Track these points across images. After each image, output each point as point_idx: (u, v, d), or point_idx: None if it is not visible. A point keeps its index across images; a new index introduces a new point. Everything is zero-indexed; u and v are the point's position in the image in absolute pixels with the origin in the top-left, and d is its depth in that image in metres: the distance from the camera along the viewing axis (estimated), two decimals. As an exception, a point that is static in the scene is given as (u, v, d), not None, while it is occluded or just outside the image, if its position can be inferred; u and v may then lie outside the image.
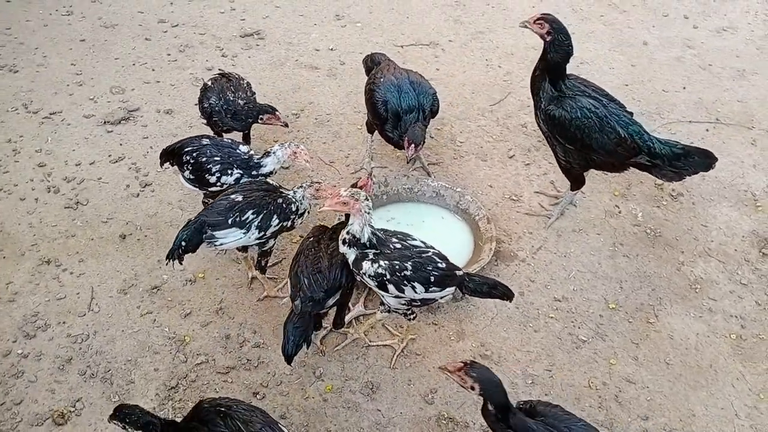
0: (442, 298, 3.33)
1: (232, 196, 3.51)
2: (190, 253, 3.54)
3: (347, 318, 3.72)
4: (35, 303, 3.77)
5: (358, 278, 3.32)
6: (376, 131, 4.57)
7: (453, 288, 3.30)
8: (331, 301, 3.35)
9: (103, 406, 3.34)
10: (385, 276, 3.18)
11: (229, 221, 3.43)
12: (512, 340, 3.80)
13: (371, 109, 4.44)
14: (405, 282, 3.19)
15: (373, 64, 4.82)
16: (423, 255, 3.26)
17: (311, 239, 3.45)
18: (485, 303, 3.98)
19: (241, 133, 4.46)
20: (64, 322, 3.69)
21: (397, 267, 3.18)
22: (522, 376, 3.63)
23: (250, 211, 3.46)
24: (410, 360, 3.66)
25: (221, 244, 3.48)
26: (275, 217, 3.51)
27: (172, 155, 3.93)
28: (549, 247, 4.36)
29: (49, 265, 3.98)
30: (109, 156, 4.74)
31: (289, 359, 3.26)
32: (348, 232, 3.19)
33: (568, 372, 3.67)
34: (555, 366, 3.69)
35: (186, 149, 3.86)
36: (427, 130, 4.45)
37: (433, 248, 3.34)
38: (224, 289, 3.93)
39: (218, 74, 4.50)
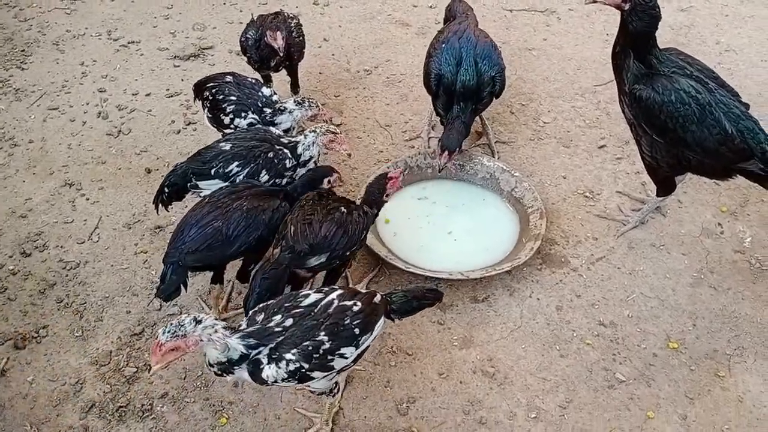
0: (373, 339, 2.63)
1: (221, 144, 3.16)
2: (177, 201, 3.26)
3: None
4: (43, 222, 3.71)
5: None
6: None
7: (382, 320, 2.63)
8: (314, 262, 2.89)
9: (64, 340, 3.18)
10: (302, 367, 2.39)
11: (212, 171, 3.09)
12: (528, 361, 3.11)
13: (424, 78, 3.87)
14: (329, 357, 2.44)
15: (450, 14, 4.22)
16: (329, 309, 2.48)
17: (315, 193, 3.05)
18: (509, 311, 3.31)
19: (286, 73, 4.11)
20: (61, 247, 3.59)
21: (310, 348, 2.40)
22: (525, 407, 2.94)
23: (235, 163, 3.08)
24: (397, 358, 3.12)
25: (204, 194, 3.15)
26: (264, 172, 3.10)
27: (200, 89, 3.66)
28: (613, 260, 3.55)
29: (71, 188, 3.91)
30: (167, 90, 4.61)
31: (249, 311, 2.87)
32: (214, 364, 2.38)
33: (587, 414, 2.92)
34: (572, 403, 2.95)
35: (208, 84, 3.56)
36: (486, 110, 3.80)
37: (332, 287, 2.64)
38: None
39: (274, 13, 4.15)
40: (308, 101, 3.45)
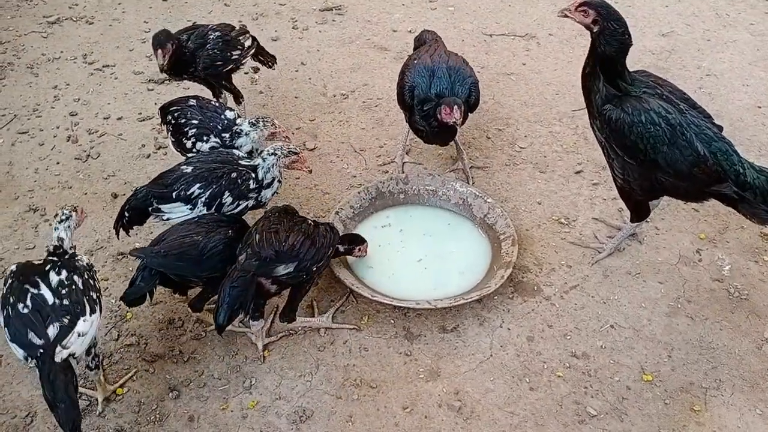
0: None
1: (183, 167, 3.09)
2: (137, 225, 3.18)
3: (299, 322, 3.16)
4: (3, 249, 3.62)
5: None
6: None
7: None
8: (282, 271, 2.83)
9: (17, 371, 3.06)
10: None
11: (173, 194, 3.01)
12: (497, 395, 2.99)
13: (397, 94, 3.81)
14: None
15: (419, 43, 4.18)
16: None
17: (278, 211, 3.03)
18: (478, 341, 3.20)
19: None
20: (21, 274, 3.48)
21: None
22: (491, 443, 2.82)
23: (197, 185, 3.00)
24: (360, 391, 3.00)
25: (168, 219, 3.07)
26: (227, 193, 3.02)
27: (164, 113, 3.59)
28: (587, 288, 3.45)
29: (34, 214, 3.83)
30: (140, 114, 4.55)
31: (220, 327, 2.82)
32: None
33: (556, 452, 2.80)
34: (540, 439, 2.84)
35: (171, 108, 3.50)
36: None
37: None
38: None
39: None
40: (263, 121, 3.39)
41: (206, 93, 4.09)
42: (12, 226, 3.75)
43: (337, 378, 3.04)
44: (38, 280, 2.57)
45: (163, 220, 3.10)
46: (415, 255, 3.56)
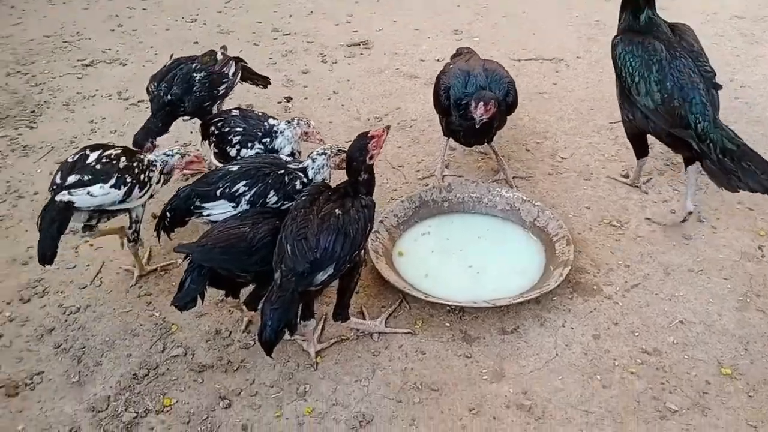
0: None
1: (229, 166, 3.03)
2: (179, 227, 3.10)
3: (353, 323, 3.02)
4: (45, 269, 3.51)
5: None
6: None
7: None
8: (322, 277, 2.67)
9: (60, 386, 2.92)
10: None
11: (218, 192, 2.94)
12: (568, 393, 2.80)
13: (434, 97, 3.79)
14: None
15: (456, 56, 4.19)
16: None
17: (304, 198, 2.81)
18: (541, 341, 3.04)
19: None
20: (62, 292, 3.39)
21: None
22: (569, 443, 2.62)
23: (242, 182, 2.94)
24: (422, 394, 2.82)
25: (209, 216, 2.98)
26: (272, 192, 2.95)
27: (205, 126, 3.57)
28: (649, 286, 3.30)
29: (74, 235, 3.73)
30: (176, 142, 4.55)
31: (267, 347, 2.64)
32: None
33: (640, 449, 2.59)
34: (621, 437, 2.63)
35: (214, 119, 3.48)
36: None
37: None
38: (237, 282, 3.41)
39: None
40: (297, 119, 3.38)
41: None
42: (51, 248, 3.67)
43: (395, 382, 2.87)
44: (97, 148, 3.12)
45: (205, 219, 3.02)
46: (467, 261, 3.44)
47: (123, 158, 3.08)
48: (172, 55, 4.07)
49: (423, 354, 3.00)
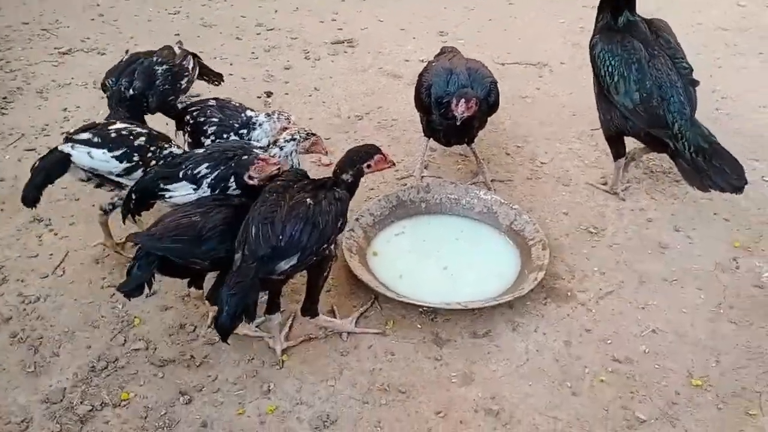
0: None
1: (196, 149, 2.97)
2: (145, 210, 3.03)
3: (322, 320, 2.95)
4: (5, 257, 3.43)
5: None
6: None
7: None
8: (285, 266, 2.60)
9: (14, 375, 2.83)
10: None
11: (180, 174, 2.87)
12: (537, 400, 2.76)
13: (415, 95, 3.74)
14: None
15: (439, 55, 4.14)
16: None
17: (279, 183, 2.74)
18: (513, 345, 2.99)
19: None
20: (22, 281, 3.29)
21: None
22: (535, 450, 2.57)
23: (204, 164, 2.86)
24: (389, 396, 2.76)
25: (171, 198, 2.90)
26: (234, 177, 2.87)
27: (180, 116, 3.49)
28: (623, 294, 3.27)
29: (39, 224, 3.66)
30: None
31: (223, 333, 2.56)
32: None
33: (607, 458, 2.55)
34: (589, 445, 2.59)
35: (190, 108, 3.40)
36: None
37: None
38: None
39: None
40: (277, 113, 3.30)
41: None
42: (15, 236, 3.57)
43: (362, 383, 2.81)
44: (126, 121, 3.20)
45: (168, 201, 2.94)
46: (442, 263, 3.39)
47: (142, 138, 3.07)
48: (127, 51, 3.94)
49: (392, 355, 2.94)
